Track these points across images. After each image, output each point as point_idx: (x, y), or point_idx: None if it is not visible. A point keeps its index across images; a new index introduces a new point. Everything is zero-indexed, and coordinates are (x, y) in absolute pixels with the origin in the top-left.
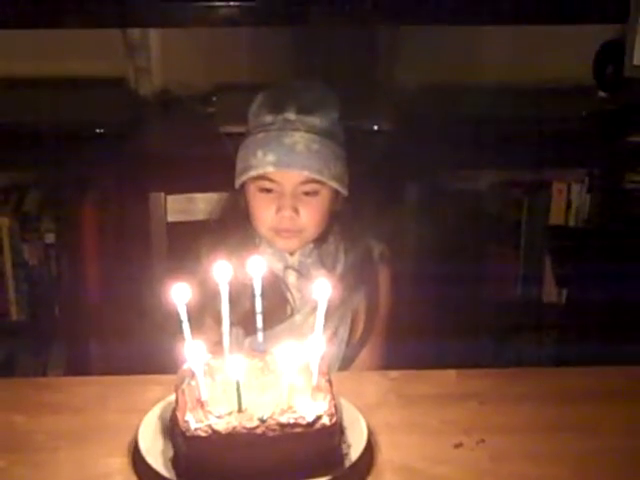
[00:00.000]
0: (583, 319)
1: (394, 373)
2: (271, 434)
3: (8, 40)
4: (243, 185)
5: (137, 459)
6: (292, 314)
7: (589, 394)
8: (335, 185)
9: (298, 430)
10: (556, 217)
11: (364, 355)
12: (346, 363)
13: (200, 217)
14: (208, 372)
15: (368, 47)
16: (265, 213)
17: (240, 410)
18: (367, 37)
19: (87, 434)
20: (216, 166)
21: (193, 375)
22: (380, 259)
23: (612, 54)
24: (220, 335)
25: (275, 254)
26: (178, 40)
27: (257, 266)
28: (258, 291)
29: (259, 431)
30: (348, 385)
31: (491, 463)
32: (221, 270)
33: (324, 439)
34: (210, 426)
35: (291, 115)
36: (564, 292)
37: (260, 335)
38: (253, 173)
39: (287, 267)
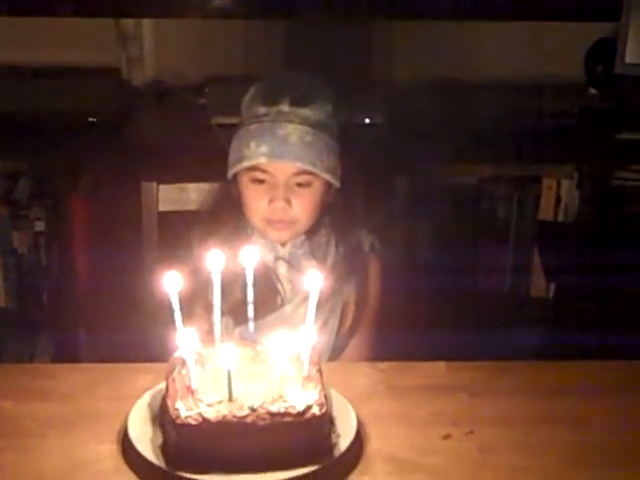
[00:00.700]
0: (571, 313)
1: (383, 364)
2: (261, 423)
3: (0, 28)
4: (236, 176)
5: (127, 446)
6: (282, 305)
7: (578, 387)
8: (328, 177)
9: (288, 419)
10: (545, 212)
11: (353, 345)
12: (336, 353)
13: (192, 207)
14: (199, 361)
15: (362, 40)
16: (258, 204)
17: (230, 399)
18: (361, 30)
19: (76, 421)
20: (208, 156)
21: (184, 364)
22: (370, 251)
23: (603, 52)
24: (210, 324)
25: (266, 245)
26: (171, 30)
27: (249, 256)
28: (250, 281)
29: (249, 420)
30: (338, 375)
31: (480, 454)
32: (213, 259)
33: (314, 428)
34: (200, 414)
35: (285, 107)
36: (552, 286)
37: (251, 325)
38: (246, 164)
39: (278, 258)
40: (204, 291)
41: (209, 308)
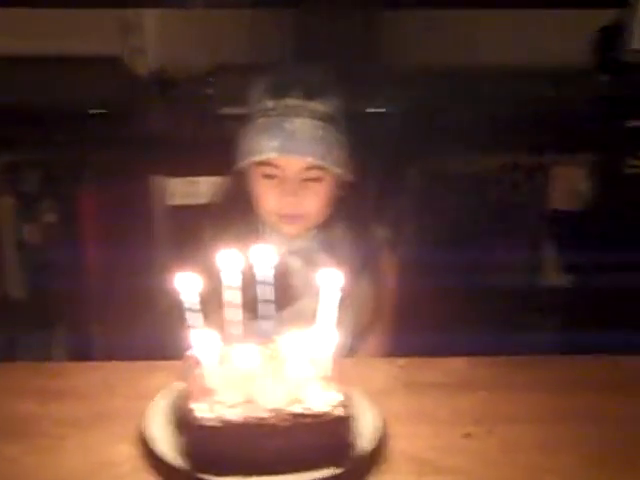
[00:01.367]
0: (585, 303)
1: (402, 360)
2: (282, 425)
3: (5, 18)
4: (246, 169)
5: (146, 447)
6: (296, 300)
7: (599, 382)
8: (339, 171)
9: (309, 421)
10: (557, 201)
11: (369, 342)
12: (352, 352)
13: (202, 200)
14: (217, 360)
15: (369, 28)
16: (268, 198)
17: (250, 400)
18: (368, 18)
19: (94, 421)
20: (217, 149)
21: (200, 363)
22: (384, 244)
23: (614, 37)
24: (224, 321)
25: (279, 239)
26: (175, 19)
27: (263, 254)
28: (269, 279)
29: (270, 421)
30: (357, 372)
31: (501, 453)
32: (228, 258)
33: (335, 430)
34: (220, 417)
35: (294, 100)
36: (565, 276)
37: (269, 322)
38: (256, 158)
39: (291, 252)
40: (217, 287)
41: (222, 305)
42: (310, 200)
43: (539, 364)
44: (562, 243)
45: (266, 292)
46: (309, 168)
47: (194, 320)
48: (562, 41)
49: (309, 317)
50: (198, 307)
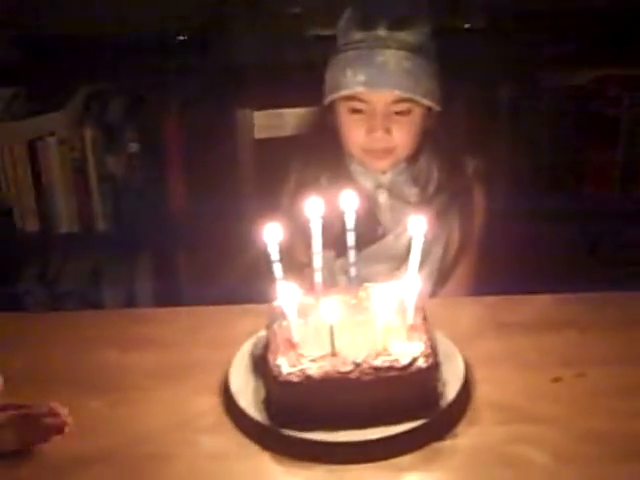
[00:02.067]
0: None
1: (489, 299)
2: (365, 378)
3: None
4: (332, 103)
5: (229, 400)
6: (384, 235)
7: None
8: (428, 103)
9: (393, 373)
10: None
11: (458, 277)
12: (440, 285)
13: (288, 133)
14: (300, 312)
15: None
16: (356, 134)
17: (334, 353)
18: None
19: (179, 371)
20: (304, 76)
21: (284, 314)
22: (474, 175)
23: None
24: (310, 257)
25: (366, 173)
26: None
27: (349, 200)
28: (351, 226)
29: (353, 376)
30: (443, 314)
31: (591, 399)
32: (311, 207)
33: (420, 381)
34: (303, 370)
35: (381, 32)
36: None
37: (353, 269)
38: (343, 93)
39: (379, 186)
40: (305, 225)
41: (309, 243)
42: (399, 134)
43: (630, 299)
44: None
45: (352, 239)
46: (397, 101)
47: (278, 271)
48: None
49: (397, 252)
50: (279, 259)
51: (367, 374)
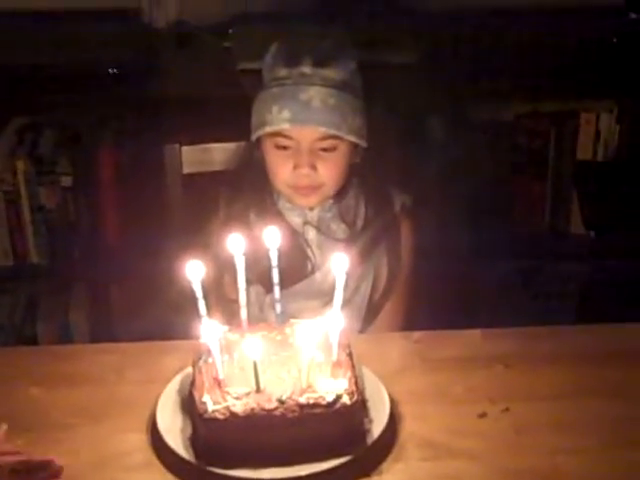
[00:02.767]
0: (611, 254)
1: (417, 334)
2: (290, 415)
3: None
4: (259, 139)
5: (156, 437)
6: (312, 271)
7: (617, 355)
8: (353, 139)
9: (318, 411)
10: (584, 148)
11: (387, 312)
12: (368, 321)
13: (217, 168)
14: (225, 348)
15: None
16: (282, 170)
17: (258, 390)
18: None
19: (105, 408)
20: (233, 110)
21: (210, 351)
22: (402, 211)
23: None
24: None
25: (294, 209)
26: None
27: (273, 236)
28: (275, 262)
29: (278, 413)
30: (371, 349)
31: (517, 435)
32: (235, 242)
33: (345, 418)
34: (227, 408)
35: (307, 69)
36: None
37: (278, 307)
38: (268, 129)
39: (306, 223)
40: (232, 259)
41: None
42: (325, 170)
43: (558, 334)
44: (588, 193)
45: (277, 276)
46: (323, 138)
47: (203, 308)
48: None
49: (326, 289)
50: (203, 296)
51: (292, 411)
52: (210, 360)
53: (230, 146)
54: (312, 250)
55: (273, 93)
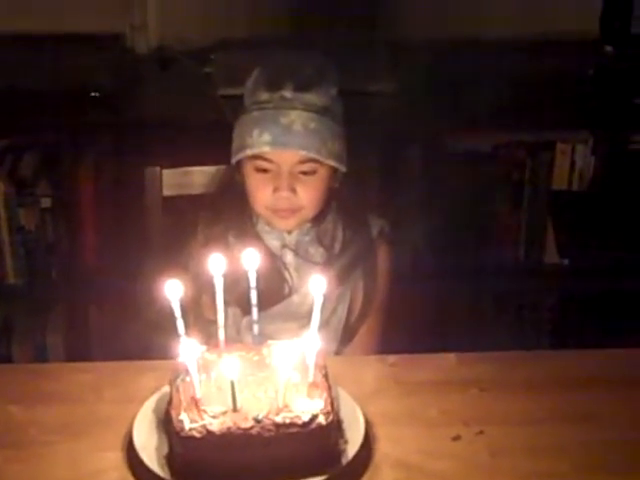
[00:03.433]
0: (585, 283)
1: (393, 358)
2: (266, 434)
3: None
4: (239, 162)
5: (132, 455)
6: (290, 294)
7: (590, 380)
8: (333, 163)
9: (294, 430)
10: (559, 179)
11: (362, 334)
12: (344, 343)
13: (197, 191)
14: (203, 367)
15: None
16: (262, 193)
17: (235, 409)
18: None
19: (82, 426)
20: (214, 135)
21: (187, 371)
22: (379, 236)
23: (620, 7)
24: (216, 314)
25: (272, 232)
26: None
27: (252, 258)
28: (253, 284)
29: (254, 432)
30: (346, 371)
31: (490, 458)
32: (215, 262)
33: (321, 438)
34: (204, 426)
35: (288, 93)
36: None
37: (255, 327)
38: (248, 152)
39: (284, 246)
40: (211, 282)
41: (215, 297)
42: (305, 194)
43: (532, 360)
44: (563, 225)
45: (255, 297)
46: (303, 161)
47: (181, 328)
48: (567, 10)
49: (302, 311)
50: (182, 315)
51: (268, 430)
52: (188, 379)
53: (210, 169)
54: (290, 273)
55: (254, 117)
